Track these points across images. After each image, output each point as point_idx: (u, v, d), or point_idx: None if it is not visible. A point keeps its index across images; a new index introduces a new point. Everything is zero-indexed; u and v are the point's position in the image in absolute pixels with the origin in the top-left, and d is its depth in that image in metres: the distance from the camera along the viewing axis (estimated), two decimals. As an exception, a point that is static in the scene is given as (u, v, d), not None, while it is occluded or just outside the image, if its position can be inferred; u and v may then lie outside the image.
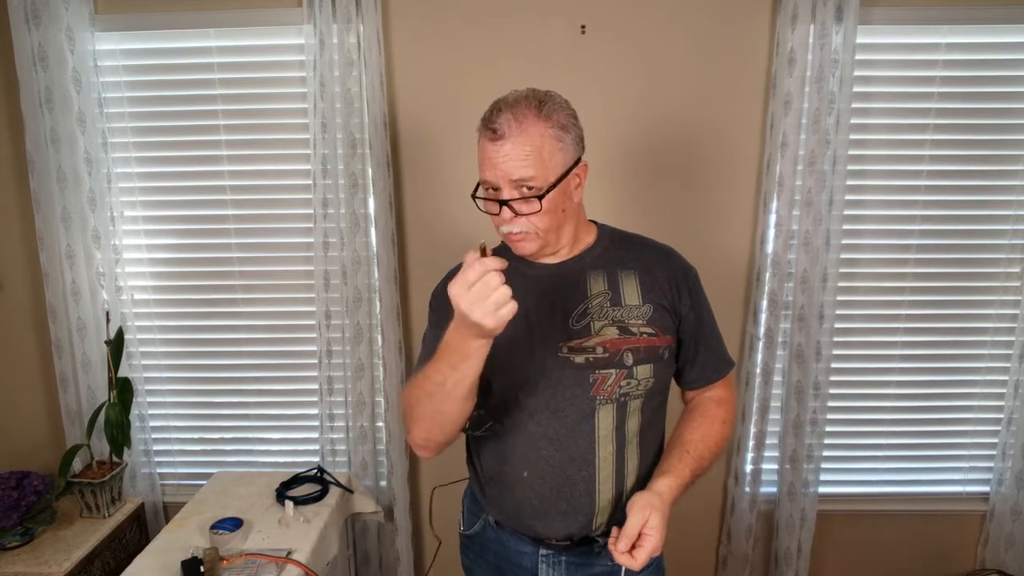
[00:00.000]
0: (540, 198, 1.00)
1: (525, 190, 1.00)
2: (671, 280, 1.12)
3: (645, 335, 1.08)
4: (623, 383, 1.07)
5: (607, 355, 1.06)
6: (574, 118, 1.04)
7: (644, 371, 1.08)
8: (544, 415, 1.08)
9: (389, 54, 1.80)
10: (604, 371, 1.06)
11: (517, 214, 1.02)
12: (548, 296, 1.10)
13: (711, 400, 1.17)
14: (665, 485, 1.02)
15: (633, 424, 1.10)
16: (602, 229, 1.19)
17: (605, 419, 1.08)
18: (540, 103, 1.00)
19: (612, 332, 1.07)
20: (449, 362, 0.93)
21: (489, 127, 1.00)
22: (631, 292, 1.10)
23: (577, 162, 1.04)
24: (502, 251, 1.12)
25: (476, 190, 1.05)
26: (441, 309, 1.13)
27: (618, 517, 1.10)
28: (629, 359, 1.07)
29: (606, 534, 1.09)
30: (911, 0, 1.72)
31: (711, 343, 1.17)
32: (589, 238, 1.15)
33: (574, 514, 1.10)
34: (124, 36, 1.82)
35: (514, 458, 1.13)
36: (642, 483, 1.10)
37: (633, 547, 0.96)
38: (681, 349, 1.15)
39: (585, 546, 1.14)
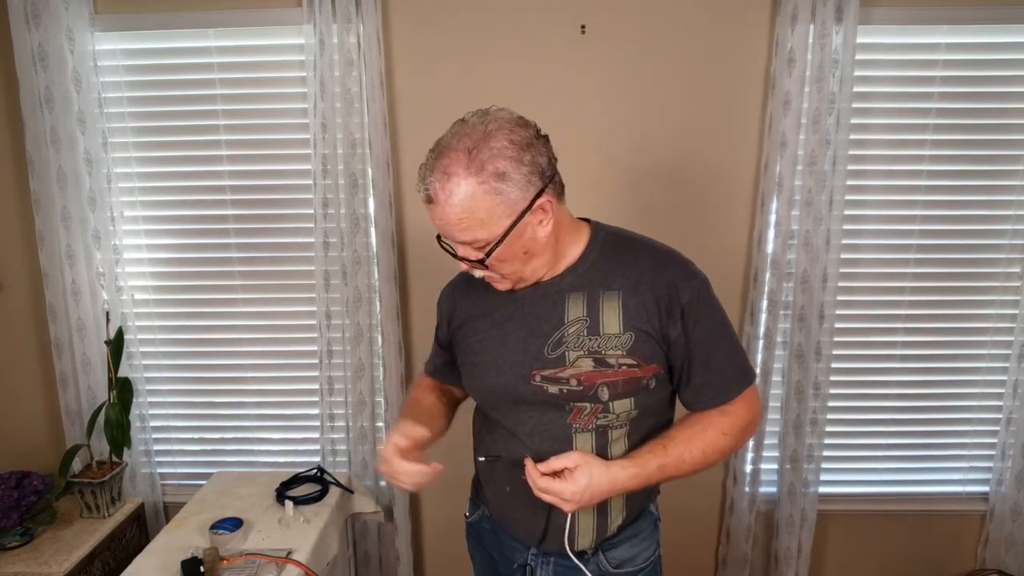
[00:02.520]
0: (486, 255, 0.96)
1: (475, 249, 0.97)
2: (659, 301, 1.00)
3: (625, 367, 1.01)
4: (599, 416, 1.02)
5: (581, 388, 1.01)
6: (520, 151, 0.92)
7: (622, 405, 1.02)
8: (523, 435, 1.07)
9: (389, 54, 1.79)
10: (579, 404, 1.02)
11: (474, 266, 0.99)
12: (525, 319, 1.06)
13: (717, 410, 1.06)
14: (618, 464, 0.98)
15: (618, 449, 1.05)
16: (594, 236, 1.07)
17: (583, 446, 1.04)
18: (470, 152, 0.90)
19: (587, 364, 1.01)
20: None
21: (420, 188, 0.96)
22: (611, 319, 1.01)
23: (533, 202, 0.94)
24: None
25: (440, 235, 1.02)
26: (440, 311, 1.24)
27: (605, 540, 1.10)
28: (605, 394, 1.01)
29: (591, 552, 1.10)
30: (911, 0, 1.72)
31: (712, 364, 1.04)
32: (576, 250, 1.05)
33: (554, 533, 1.09)
34: (124, 36, 1.82)
35: (499, 472, 1.13)
36: (633, 507, 1.11)
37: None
38: (673, 373, 1.07)
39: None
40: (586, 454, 0.99)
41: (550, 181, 0.97)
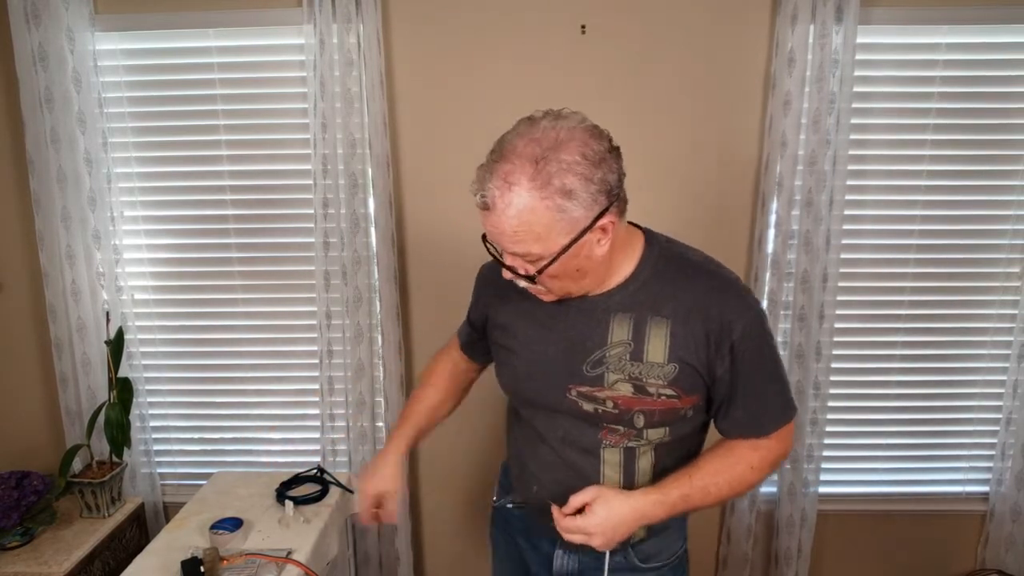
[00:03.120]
0: (538, 272, 0.90)
1: (526, 262, 0.91)
2: (710, 335, 0.95)
3: (664, 397, 0.97)
4: (631, 439, 1.01)
5: (617, 412, 0.99)
6: (591, 168, 0.84)
7: (656, 433, 1.00)
8: (552, 441, 1.07)
9: (389, 54, 1.80)
10: (612, 425, 1.01)
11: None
12: (567, 331, 1.02)
13: (749, 443, 1.03)
14: (640, 493, 0.97)
15: (644, 463, 1.04)
16: (648, 252, 0.99)
17: (611, 459, 1.03)
18: (537, 162, 0.82)
19: (626, 389, 0.98)
20: None
21: (476, 191, 0.87)
22: (656, 347, 0.96)
23: (596, 221, 0.87)
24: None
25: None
26: (478, 291, 1.25)
27: (632, 546, 1.10)
28: (640, 421, 0.99)
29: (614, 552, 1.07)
30: (911, 0, 1.72)
31: (755, 401, 1.00)
32: (628, 267, 0.98)
33: None
34: (124, 36, 1.82)
35: (528, 471, 1.13)
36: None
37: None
38: (712, 403, 1.03)
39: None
40: (603, 487, 0.98)
41: (616, 199, 0.89)
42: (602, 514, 0.94)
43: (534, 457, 1.12)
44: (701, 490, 0.99)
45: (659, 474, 1.03)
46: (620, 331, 0.98)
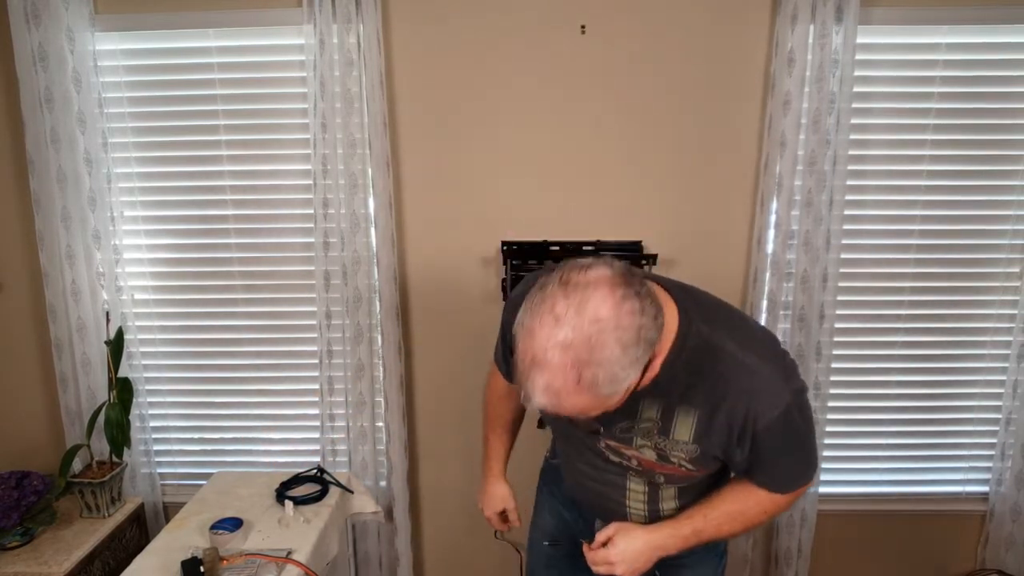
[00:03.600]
0: (597, 420, 0.88)
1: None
2: (733, 428, 0.94)
3: (685, 468, 1.01)
4: (653, 484, 1.09)
5: (640, 468, 1.06)
6: (632, 348, 0.77)
7: (672, 491, 1.10)
8: (583, 466, 1.16)
9: (389, 54, 1.79)
10: (635, 476, 1.09)
11: None
12: None
13: (765, 492, 1.04)
14: (656, 527, 1.07)
15: (667, 495, 1.11)
16: (680, 340, 0.91)
17: (636, 488, 1.11)
18: (577, 367, 0.75)
19: (650, 454, 1.01)
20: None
21: (522, 393, 0.81)
22: (683, 430, 0.97)
23: (646, 369, 0.83)
24: None
25: None
26: (505, 319, 1.15)
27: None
28: (660, 479, 1.07)
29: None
30: (911, 0, 1.72)
31: (771, 471, 1.01)
32: (658, 358, 0.91)
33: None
34: (124, 36, 1.82)
35: (565, 478, 1.28)
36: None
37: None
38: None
39: None
40: (624, 523, 1.09)
41: (659, 337, 0.83)
42: (622, 546, 1.04)
43: (569, 484, 1.26)
44: (715, 527, 1.05)
45: (682, 506, 1.10)
46: (649, 411, 0.99)
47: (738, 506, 1.05)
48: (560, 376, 0.76)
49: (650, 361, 0.82)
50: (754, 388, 0.92)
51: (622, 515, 1.13)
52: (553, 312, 0.76)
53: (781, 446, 0.96)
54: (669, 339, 0.90)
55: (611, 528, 1.07)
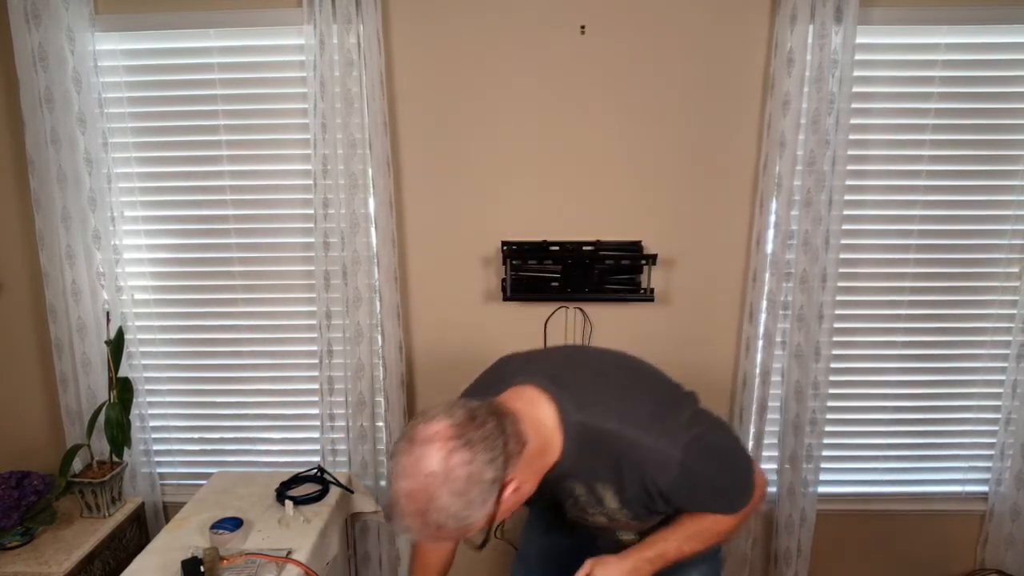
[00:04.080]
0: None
1: None
2: (642, 494, 1.04)
3: (633, 522, 1.14)
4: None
5: (601, 527, 1.17)
6: (468, 493, 0.87)
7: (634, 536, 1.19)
8: (563, 526, 1.25)
9: (389, 54, 1.80)
10: (604, 528, 1.18)
11: None
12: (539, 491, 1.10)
13: (708, 515, 1.11)
14: (625, 554, 1.11)
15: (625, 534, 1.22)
16: (567, 437, 1.01)
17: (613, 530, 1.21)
18: (422, 515, 0.88)
19: (602, 519, 1.13)
20: None
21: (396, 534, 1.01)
22: (609, 499, 1.07)
23: (498, 502, 0.91)
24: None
25: None
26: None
27: None
28: (622, 533, 1.20)
29: None
30: (911, 0, 1.73)
31: (706, 506, 1.09)
32: (555, 454, 1.02)
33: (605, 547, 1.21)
34: (124, 36, 1.82)
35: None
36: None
37: None
38: None
39: None
40: (599, 557, 1.11)
41: (505, 471, 0.91)
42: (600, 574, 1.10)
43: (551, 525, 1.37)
44: (676, 548, 1.11)
45: (650, 529, 1.17)
46: (579, 490, 1.09)
47: (694, 528, 1.11)
48: (410, 519, 0.89)
49: (505, 486, 0.91)
50: (641, 460, 1.00)
51: (613, 539, 1.23)
52: (400, 465, 0.90)
53: (696, 493, 1.04)
54: (556, 434, 1.00)
55: (587, 565, 1.11)
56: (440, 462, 0.86)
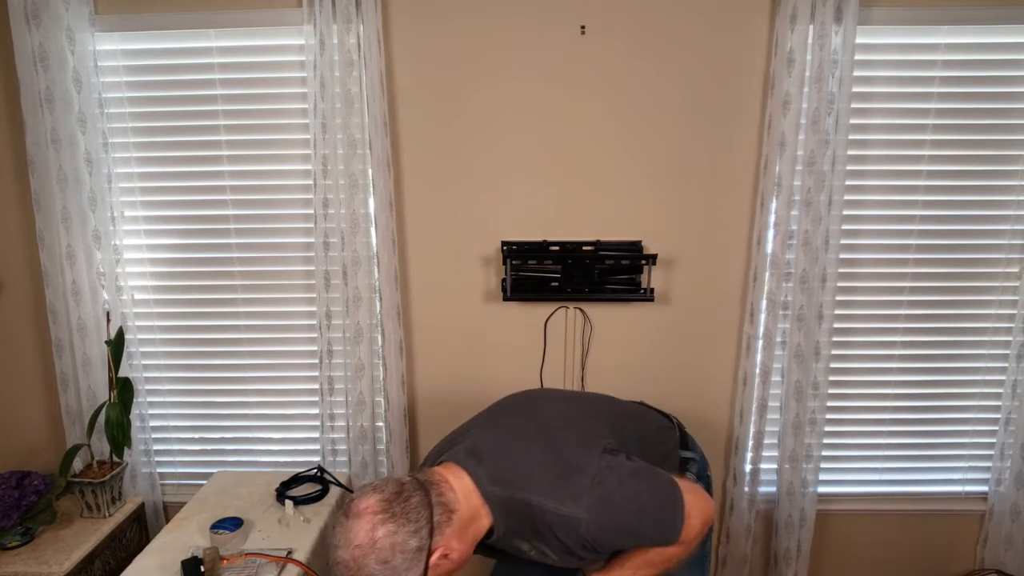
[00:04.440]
0: None
1: None
2: (569, 550, 1.11)
3: (587, 564, 1.18)
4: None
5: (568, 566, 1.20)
6: (391, 557, 0.98)
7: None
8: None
9: (389, 54, 1.80)
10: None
11: None
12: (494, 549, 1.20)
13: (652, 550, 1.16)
14: None
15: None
16: (488, 503, 1.10)
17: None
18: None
19: (560, 564, 1.17)
20: None
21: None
22: (550, 554, 1.14)
23: (427, 567, 1.00)
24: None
25: None
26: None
27: None
28: (587, 565, 1.20)
29: None
30: (911, 0, 1.73)
31: (627, 548, 1.15)
32: (486, 522, 1.11)
33: None
34: (124, 36, 1.82)
35: None
36: None
37: None
38: None
39: None
40: None
41: (431, 533, 1.01)
42: None
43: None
44: (631, 574, 1.15)
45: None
46: (524, 545, 1.15)
47: (642, 558, 1.15)
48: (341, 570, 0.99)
49: (431, 552, 1.00)
50: (551, 523, 1.07)
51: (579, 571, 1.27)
52: (336, 537, 1.01)
53: (617, 538, 1.10)
54: (482, 504, 1.09)
55: None
56: (367, 534, 0.98)
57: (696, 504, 1.13)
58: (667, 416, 1.46)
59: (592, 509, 1.07)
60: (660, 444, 1.36)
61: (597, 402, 1.36)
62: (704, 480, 1.37)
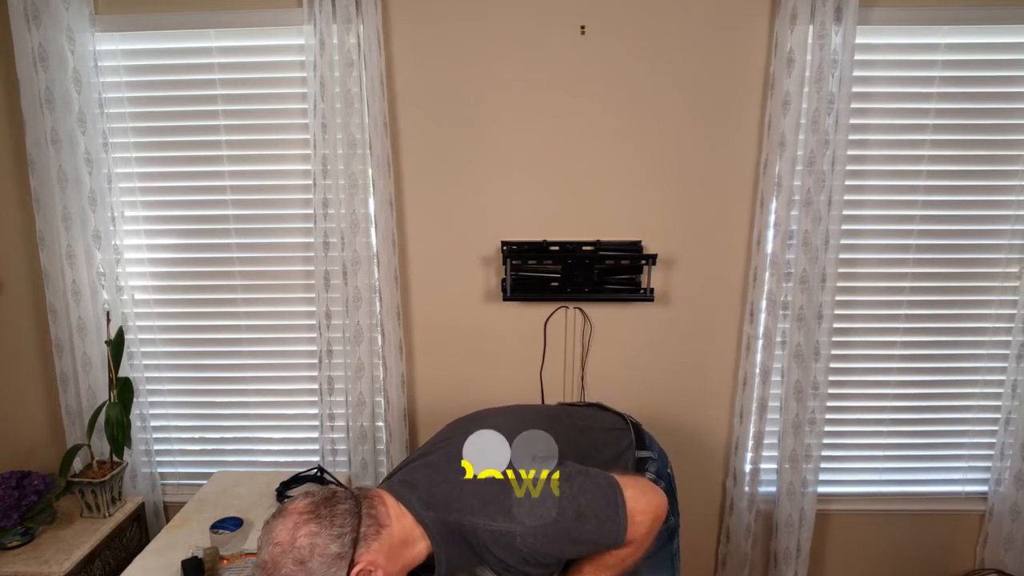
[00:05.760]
0: None
1: None
2: (510, 568, 1.09)
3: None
4: None
5: None
6: (306, 559, 0.96)
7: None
8: None
9: (389, 54, 1.80)
10: None
11: None
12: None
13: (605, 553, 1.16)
14: None
15: None
16: (425, 527, 1.09)
17: None
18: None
19: None
20: None
21: None
22: (499, 570, 1.12)
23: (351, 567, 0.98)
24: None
25: None
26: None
27: None
28: None
29: None
30: (911, 0, 1.73)
31: (575, 555, 1.14)
32: (419, 551, 1.09)
33: None
34: (124, 36, 1.82)
35: None
36: None
37: None
38: None
39: None
40: None
41: (356, 544, 0.99)
42: None
43: None
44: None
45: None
46: (481, 570, 1.13)
47: (602, 559, 1.14)
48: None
49: (353, 564, 0.98)
50: (484, 542, 1.06)
51: None
52: (259, 538, 1.00)
53: (557, 547, 1.07)
54: (418, 531, 1.08)
55: None
56: (288, 533, 0.97)
57: (641, 500, 1.10)
58: (622, 416, 1.44)
59: (524, 520, 1.05)
60: (609, 446, 1.34)
61: (537, 414, 1.34)
62: (665, 478, 1.34)
